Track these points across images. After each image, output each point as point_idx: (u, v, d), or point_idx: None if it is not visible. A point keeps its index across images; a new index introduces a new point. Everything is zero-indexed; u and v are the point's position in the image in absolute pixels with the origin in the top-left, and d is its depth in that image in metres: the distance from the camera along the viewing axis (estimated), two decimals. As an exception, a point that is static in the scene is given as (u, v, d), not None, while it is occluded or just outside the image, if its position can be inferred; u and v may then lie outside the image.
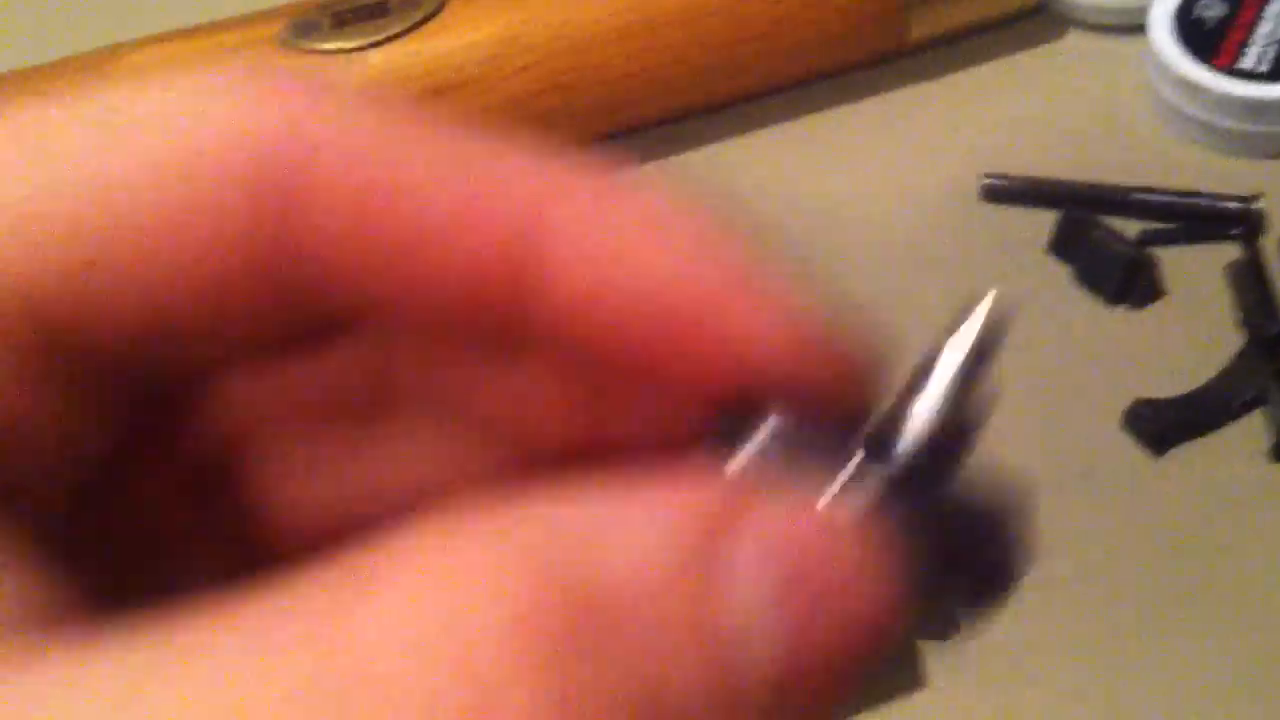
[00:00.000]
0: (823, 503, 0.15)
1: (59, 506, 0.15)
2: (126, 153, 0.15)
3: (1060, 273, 0.48)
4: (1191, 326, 0.47)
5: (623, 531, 0.13)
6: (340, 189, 0.15)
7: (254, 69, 0.16)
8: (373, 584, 0.12)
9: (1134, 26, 0.55)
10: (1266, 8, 0.53)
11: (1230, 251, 0.48)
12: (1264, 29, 0.52)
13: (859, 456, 0.15)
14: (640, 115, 0.54)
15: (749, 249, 0.16)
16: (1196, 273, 0.48)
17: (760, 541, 0.13)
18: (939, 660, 0.39)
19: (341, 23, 0.51)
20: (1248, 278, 0.47)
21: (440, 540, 0.12)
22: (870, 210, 0.51)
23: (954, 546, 0.16)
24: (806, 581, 0.13)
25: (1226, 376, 0.44)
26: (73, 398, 0.15)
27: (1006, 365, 0.47)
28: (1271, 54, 0.51)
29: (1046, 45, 0.57)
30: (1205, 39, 0.52)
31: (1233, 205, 0.49)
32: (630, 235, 0.16)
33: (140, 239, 0.15)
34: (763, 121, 0.55)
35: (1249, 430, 0.44)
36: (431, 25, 0.51)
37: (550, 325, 0.16)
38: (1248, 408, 0.44)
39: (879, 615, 0.14)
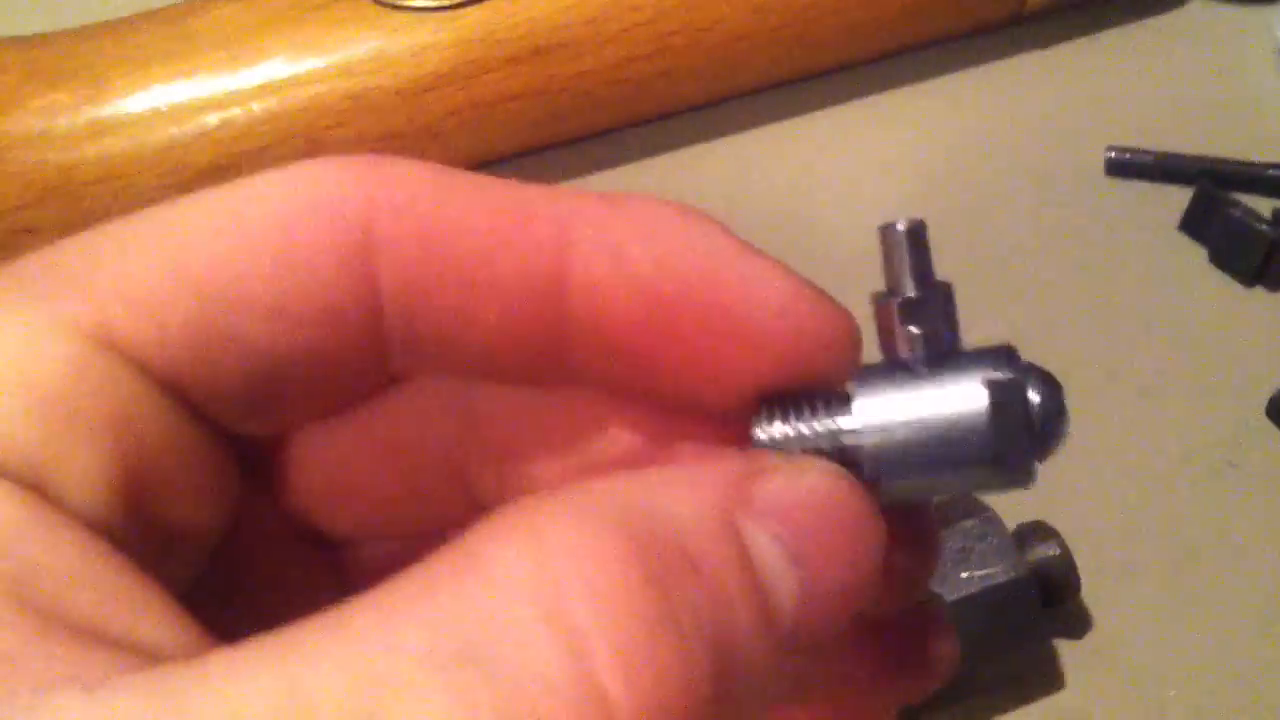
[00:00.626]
0: (819, 471, 0.17)
1: (203, 558, 0.19)
2: (244, 245, 0.17)
3: (1194, 252, 0.46)
4: (1334, 310, 0.44)
5: (674, 497, 0.16)
6: (408, 240, 0.18)
7: (339, 160, 0.18)
8: (479, 560, 0.14)
9: (1260, -5, 0.53)
10: (1407, -24, 0.50)
11: (1373, 232, 0.46)
12: (1406, -2, 0.50)
13: (844, 420, 0.18)
14: (749, 79, 0.52)
15: (741, 244, 0.19)
16: (1337, 254, 0.46)
17: (771, 508, 0.16)
18: (1078, 661, 0.37)
19: (436, -22, 0.49)
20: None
21: (527, 518, 0.15)
22: (989, 182, 0.49)
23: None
24: (812, 541, 0.16)
25: (1376, 364, 0.42)
26: (203, 457, 0.18)
27: (1141, 350, 0.45)
28: None
29: (1169, 14, 0.54)
30: (1344, 8, 0.49)
31: (1375, 183, 0.46)
32: (639, 240, 0.18)
33: (253, 315, 0.18)
34: (875, 88, 0.53)
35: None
36: (531, -18, 0.49)
37: (585, 328, 0.19)
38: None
39: (869, 566, 0.17)
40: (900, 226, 0.20)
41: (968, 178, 0.49)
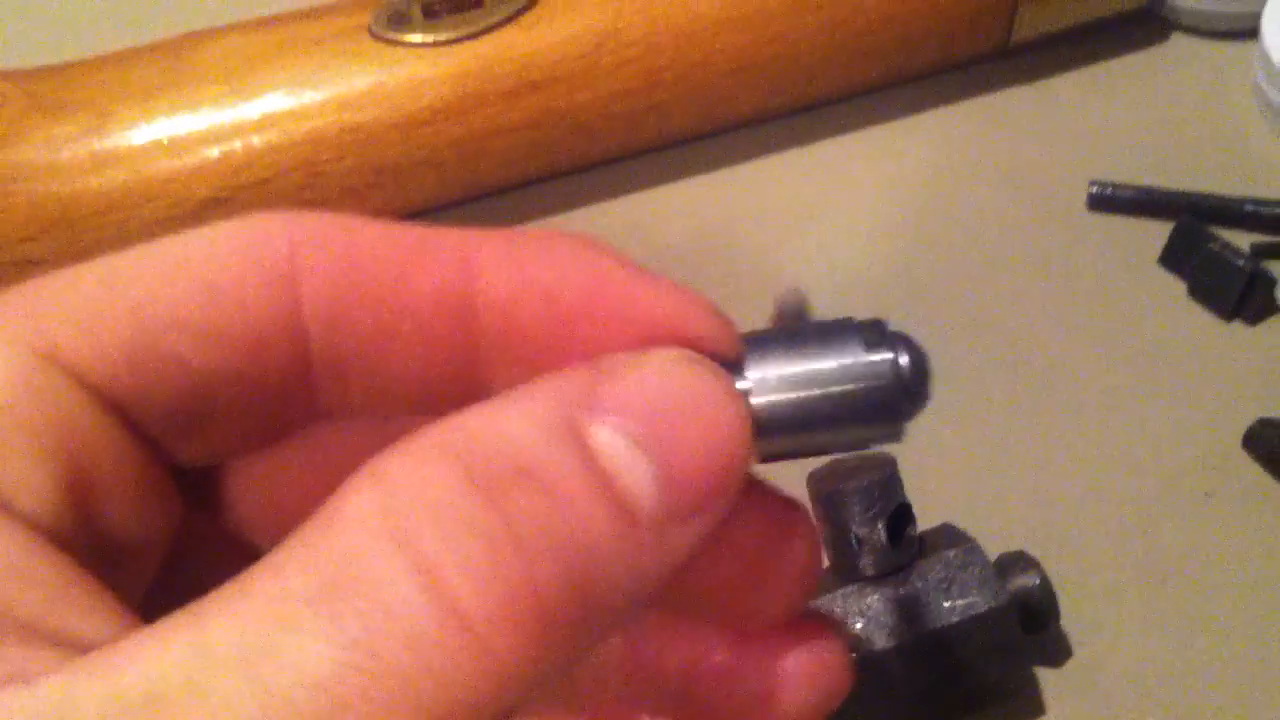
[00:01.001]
0: (660, 358, 0.18)
1: (148, 575, 0.20)
2: (178, 275, 0.19)
3: (1174, 286, 0.47)
4: (1310, 344, 0.45)
5: (506, 416, 0.17)
6: (327, 269, 0.20)
7: (266, 213, 0.20)
8: (338, 509, 0.16)
9: (1240, 31, 0.54)
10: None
11: (1349, 267, 0.47)
12: (1381, 37, 0.51)
13: (736, 382, 0.19)
14: (740, 113, 0.53)
15: (630, 262, 0.20)
16: (1313, 288, 0.47)
17: (615, 404, 0.17)
18: (1058, 688, 0.38)
19: (432, 14, 0.50)
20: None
21: (375, 465, 0.16)
22: (972, 214, 0.50)
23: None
24: (661, 427, 0.17)
25: (1350, 397, 0.43)
26: (144, 472, 0.20)
27: (1122, 382, 0.46)
28: (1389, 63, 0.50)
29: (1150, 49, 0.55)
30: (1320, 46, 0.50)
31: (1351, 219, 0.47)
32: (539, 260, 0.20)
33: (185, 336, 0.19)
34: (863, 122, 0.54)
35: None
36: (526, 17, 0.50)
37: (495, 344, 0.20)
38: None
39: (729, 445, 0.18)
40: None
41: (952, 210, 0.50)
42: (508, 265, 0.20)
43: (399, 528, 0.16)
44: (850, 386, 0.20)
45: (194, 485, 0.21)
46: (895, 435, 0.20)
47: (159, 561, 0.20)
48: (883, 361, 0.20)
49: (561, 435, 0.17)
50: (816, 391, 0.20)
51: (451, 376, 0.20)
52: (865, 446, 0.21)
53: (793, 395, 0.20)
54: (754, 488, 0.20)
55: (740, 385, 0.20)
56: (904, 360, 0.20)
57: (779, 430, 0.20)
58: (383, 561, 0.15)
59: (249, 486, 0.22)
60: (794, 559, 0.21)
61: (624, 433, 0.17)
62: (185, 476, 0.21)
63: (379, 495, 0.16)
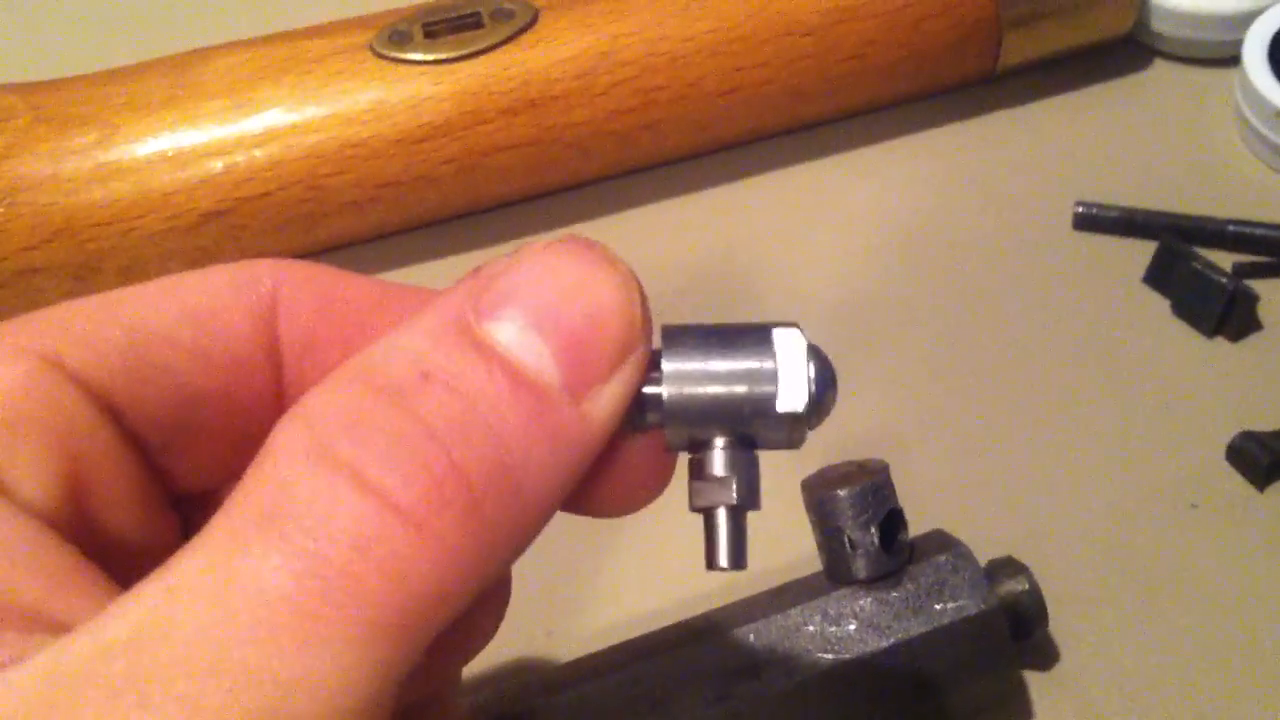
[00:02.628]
0: (541, 246, 0.19)
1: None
2: (172, 301, 0.21)
3: (1158, 304, 0.48)
4: (1291, 360, 0.46)
5: (403, 335, 0.18)
6: (305, 307, 0.22)
7: (256, 260, 0.22)
8: (270, 444, 0.17)
9: (1221, 59, 0.56)
10: (1359, 43, 0.53)
11: (1328, 286, 0.48)
12: (1357, 64, 0.52)
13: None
14: (732, 133, 0.53)
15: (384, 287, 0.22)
16: (1293, 306, 0.48)
17: (503, 298, 0.18)
18: (1046, 692, 0.39)
19: (433, 33, 0.51)
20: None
21: (298, 403, 0.18)
22: (960, 235, 0.51)
23: None
24: (551, 306, 0.18)
25: (1330, 412, 0.44)
26: (138, 476, 0.21)
27: (1108, 396, 0.47)
28: (1366, 89, 0.51)
29: (1134, 75, 0.57)
30: (1299, 73, 0.52)
31: (1330, 240, 0.49)
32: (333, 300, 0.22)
33: (176, 352, 0.21)
34: (853, 144, 0.55)
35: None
36: (525, 38, 0.51)
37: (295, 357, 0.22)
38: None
39: (614, 301, 0.18)
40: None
41: (941, 231, 0.51)
42: (307, 310, 0.22)
43: (319, 445, 0.17)
44: (753, 388, 0.20)
45: (191, 515, 0.23)
46: (798, 441, 0.21)
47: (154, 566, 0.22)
48: (792, 372, 0.21)
49: (455, 336, 0.18)
50: (721, 389, 0.20)
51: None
52: (768, 447, 0.21)
53: (699, 390, 0.20)
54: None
55: (652, 375, 0.20)
56: (811, 372, 0.21)
57: (686, 422, 0.20)
58: (312, 477, 0.17)
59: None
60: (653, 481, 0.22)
61: (512, 321, 0.18)
62: (183, 505, 0.22)
63: (299, 424, 0.17)
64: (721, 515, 0.21)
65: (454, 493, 0.17)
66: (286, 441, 0.17)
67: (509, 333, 0.18)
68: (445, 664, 0.23)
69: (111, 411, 0.20)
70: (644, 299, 0.19)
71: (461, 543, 0.17)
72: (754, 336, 0.21)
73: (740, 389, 0.20)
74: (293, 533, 0.16)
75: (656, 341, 0.21)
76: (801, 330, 0.21)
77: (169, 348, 0.21)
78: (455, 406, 0.17)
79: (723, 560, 0.21)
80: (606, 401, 0.19)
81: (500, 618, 0.25)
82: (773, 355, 0.21)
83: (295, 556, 0.16)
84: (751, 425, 0.21)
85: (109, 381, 0.20)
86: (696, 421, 0.20)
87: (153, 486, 0.22)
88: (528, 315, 0.18)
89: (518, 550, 0.18)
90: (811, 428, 0.21)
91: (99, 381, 0.20)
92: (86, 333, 0.20)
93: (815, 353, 0.21)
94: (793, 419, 0.21)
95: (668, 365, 0.20)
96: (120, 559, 0.20)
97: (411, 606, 0.16)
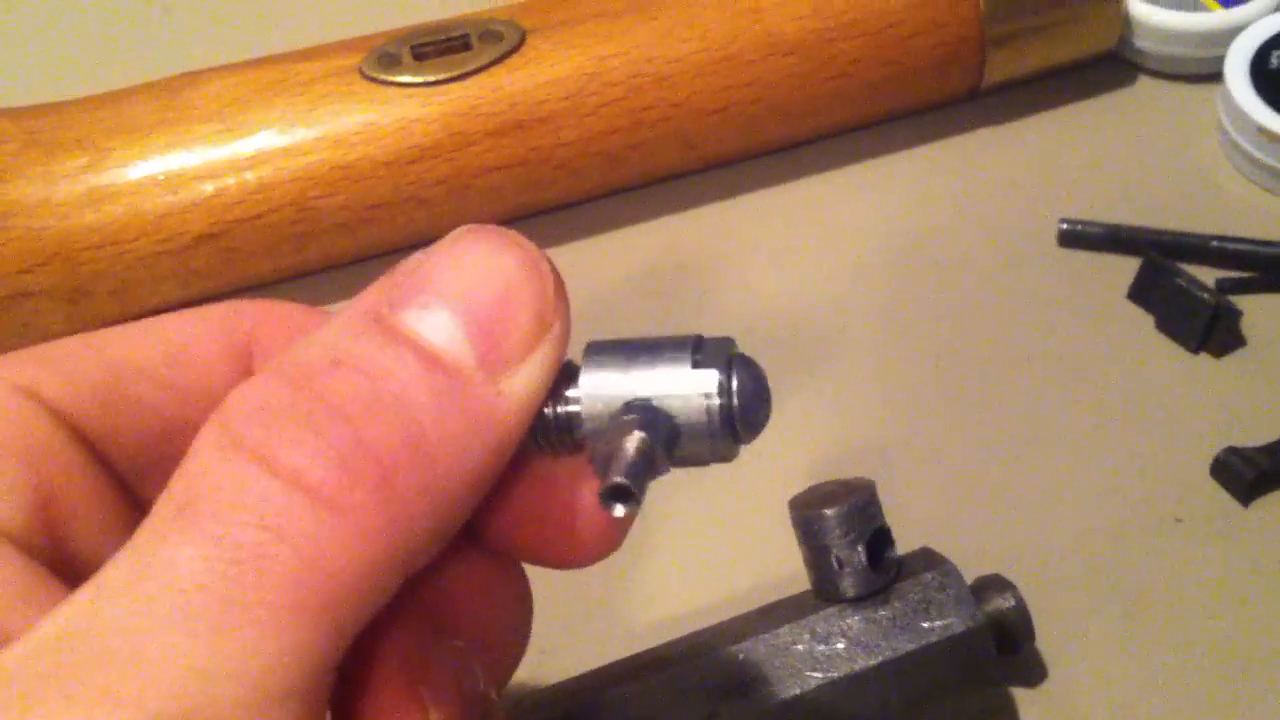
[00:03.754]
0: (452, 237, 0.19)
1: None
2: (147, 338, 0.22)
3: (1142, 320, 0.49)
4: (1274, 374, 0.47)
5: (318, 330, 0.18)
6: (280, 344, 0.22)
7: (239, 300, 0.23)
8: (192, 447, 0.17)
9: (1204, 75, 0.56)
10: (1340, 59, 0.53)
11: (1310, 301, 0.48)
12: (1338, 80, 0.53)
13: (569, 390, 0.21)
14: (719, 152, 0.54)
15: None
16: (1277, 321, 0.48)
17: (417, 287, 0.18)
18: (1034, 708, 0.39)
19: (422, 56, 0.51)
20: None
21: (212, 413, 0.18)
22: (947, 252, 0.52)
23: None
24: (459, 289, 0.18)
25: (1313, 426, 0.45)
26: (111, 502, 0.21)
27: (1093, 411, 0.47)
28: (1347, 105, 0.52)
29: (1117, 92, 0.57)
30: (1281, 89, 0.52)
31: (1312, 255, 0.49)
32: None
33: (149, 384, 0.21)
34: (839, 161, 0.55)
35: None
36: (513, 59, 0.51)
37: None
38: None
39: (524, 280, 0.19)
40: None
41: (926, 248, 0.52)
42: (275, 342, 0.23)
43: (230, 434, 0.17)
44: (684, 410, 0.20)
45: None
46: (728, 456, 0.20)
47: None
48: (707, 381, 0.20)
49: (368, 326, 0.18)
50: (637, 405, 0.20)
51: None
52: (698, 463, 0.21)
53: (615, 408, 0.20)
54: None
55: (570, 393, 0.20)
56: (738, 384, 0.20)
57: (606, 438, 0.20)
58: (221, 464, 0.17)
59: None
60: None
61: (424, 307, 0.18)
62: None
63: (214, 419, 0.18)
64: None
65: (366, 471, 0.17)
66: (202, 437, 0.18)
67: (420, 318, 0.18)
68: (472, 688, 0.23)
69: (86, 441, 0.21)
70: (558, 279, 0.20)
71: (374, 520, 0.17)
72: (678, 347, 0.20)
73: (659, 402, 0.20)
74: (204, 520, 0.16)
75: (578, 355, 0.21)
76: (732, 341, 0.21)
77: (144, 382, 0.21)
78: (364, 387, 0.17)
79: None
80: (524, 380, 0.19)
81: (525, 635, 0.25)
82: (693, 366, 0.20)
83: (207, 543, 0.16)
84: (675, 440, 0.20)
85: (84, 411, 0.21)
86: (616, 437, 0.20)
87: (129, 514, 0.22)
88: (439, 300, 0.18)
89: (439, 530, 0.18)
90: (741, 442, 0.21)
91: (74, 411, 0.21)
92: (63, 366, 0.21)
93: (745, 364, 0.21)
94: (710, 433, 0.20)
95: (585, 378, 0.20)
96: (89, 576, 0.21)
97: (328, 586, 0.16)
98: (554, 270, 0.19)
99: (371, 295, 0.19)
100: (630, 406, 0.20)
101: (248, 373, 0.22)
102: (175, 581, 0.16)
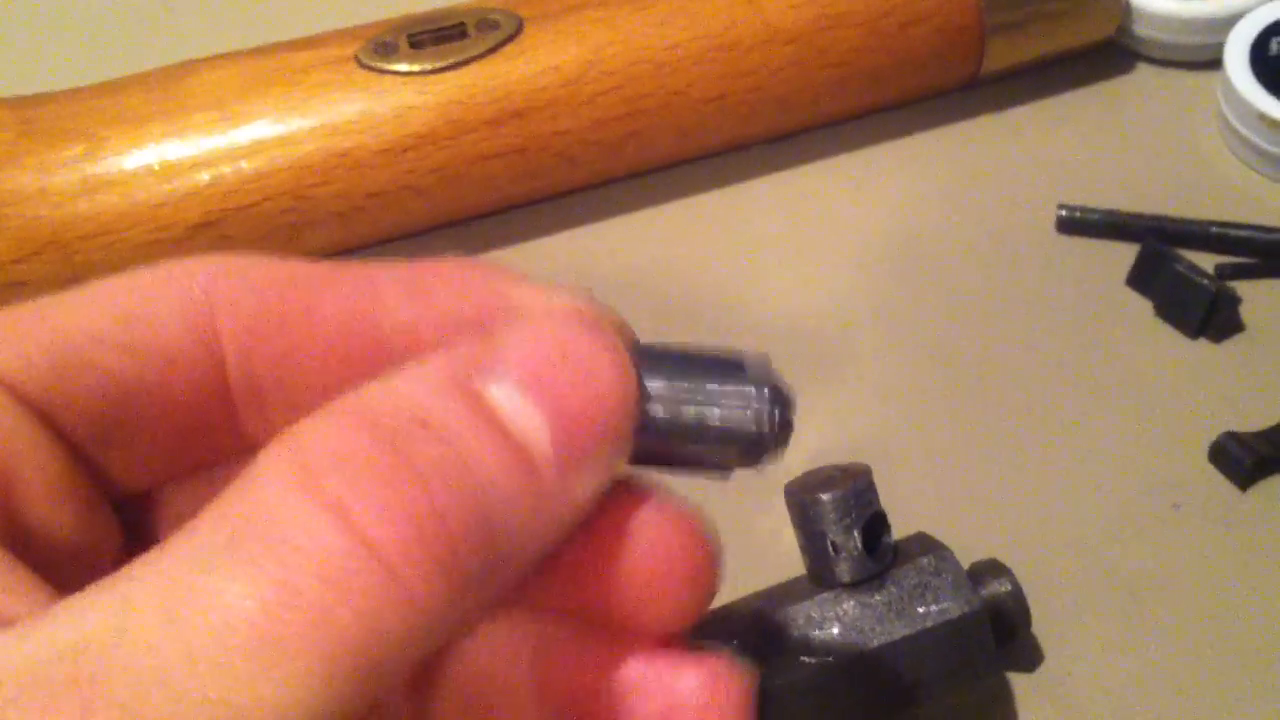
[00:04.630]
0: (543, 315, 0.20)
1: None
2: (99, 300, 0.21)
3: (1141, 306, 0.48)
4: (1273, 360, 0.47)
5: (402, 379, 0.18)
6: (243, 295, 0.22)
7: (187, 257, 0.22)
8: (252, 471, 0.17)
9: (1203, 62, 0.56)
10: (1340, 45, 0.53)
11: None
12: (1338, 66, 0.52)
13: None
14: (718, 140, 0.54)
15: (521, 278, 0.22)
16: (1276, 307, 0.48)
17: (505, 360, 0.18)
18: (1030, 694, 0.39)
19: (418, 44, 0.51)
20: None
21: (287, 432, 0.17)
22: (946, 239, 0.51)
23: None
24: (549, 377, 0.18)
25: (1312, 412, 0.44)
26: (71, 479, 0.21)
27: (1091, 397, 0.47)
28: (1347, 91, 0.51)
29: (1117, 79, 0.57)
30: (1281, 75, 0.52)
31: (1312, 241, 0.49)
32: (439, 282, 0.22)
33: (104, 348, 0.21)
34: (837, 149, 0.55)
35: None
36: (510, 48, 0.51)
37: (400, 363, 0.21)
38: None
39: (610, 383, 0.19)
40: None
41: (925, 235, 0.52)
42: (409, 291, 0.22)
43: (307, 476, 0.17)
44: (718, 416, 0.21)
45: (134, 517, 0.23)
46: (762, 464, 0.22)
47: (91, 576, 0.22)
48: (754, 400, 0.21)
49: (455, 391, 0.18)
50: (690, 413, 0.21)
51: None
52: (724, 470, 0.22)
53: (667, 411, 0.21)
54: (648, 496, 0.21)
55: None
56: (775, 406, 0.21)
57: (651, 438, 0.21)
58: (293, 505, 0.16)
59: (173, 515, 0.24)
60: (689, 565, 0.21)
61: (513, 385, 0.18)
62: (125, 507, 0.22)
63: (287, 453, 0.17)
64: None
65: (434, 543, 0.17)
66: (269, 468, 0.17)
67: (509, 397, 0.18)
68: None
69: (39, 410, 0.20)
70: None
71: (434, 590, 0.17)
72: (723, 367, 0.21)
73: (714, 413, 0.21)
74: (264, 558, 0.16)
75: None
76: (768, 362, 0.22)
77: (97, 345, 0.21)
78: (446, 458, 0.17)
79: None
80: (591, 481, 0.19)
81: None
82: (739, 387, 0.21)
83: (265, 583, 0.16)
84: (709, 449, 0.21)
85: (35, 379, 0.20)
86: (660, 439, 0.21)
87: (87, 486, 0.21)
88: (529, 383, 0.18)
89: (483, 606, 0.18)
90: (768, 460, 0.22)
91: (25, 381, 0.20)
92: (10, 335, 0.21)
93: (778, 388, 0.22)
94: (748, 450, 0.21)
95: (651, 384, 0.21)
96: (53, 559, 0.20)
97: (377, 645, 0.16)
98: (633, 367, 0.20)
99: (459, 354, 0.19)
100: (683, 419, 0.21)
101: (209, 329, 0.22)
102: (221, 614, 0.15)
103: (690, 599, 0.22)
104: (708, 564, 0.22)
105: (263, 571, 0.16)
